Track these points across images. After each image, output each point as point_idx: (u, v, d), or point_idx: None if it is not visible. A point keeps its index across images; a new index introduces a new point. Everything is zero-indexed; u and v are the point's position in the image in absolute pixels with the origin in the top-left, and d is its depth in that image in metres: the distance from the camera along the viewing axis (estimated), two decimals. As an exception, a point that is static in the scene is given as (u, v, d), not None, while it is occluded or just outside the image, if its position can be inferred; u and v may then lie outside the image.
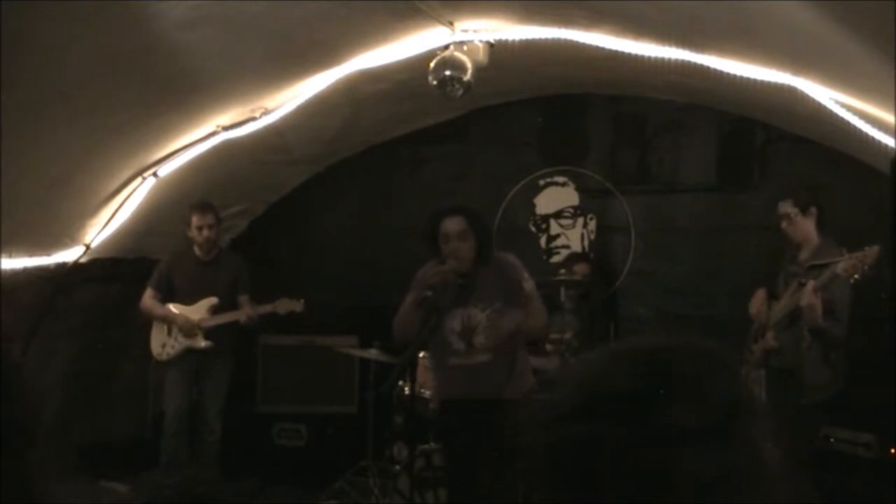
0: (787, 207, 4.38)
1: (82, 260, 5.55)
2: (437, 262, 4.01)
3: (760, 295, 4.61)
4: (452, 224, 3.95)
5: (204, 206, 5.42)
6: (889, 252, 3.67)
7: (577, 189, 6.22)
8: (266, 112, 5.26)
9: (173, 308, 5.44)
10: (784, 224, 4.42)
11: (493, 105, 6.30)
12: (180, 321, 5.38)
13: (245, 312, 5.38)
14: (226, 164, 5.70)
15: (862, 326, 4.22)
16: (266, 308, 5.39)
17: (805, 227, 4.38)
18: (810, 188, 4.58)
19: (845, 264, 3.89)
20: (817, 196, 4.48)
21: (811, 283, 4.06)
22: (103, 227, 5.52)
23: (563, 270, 5.53)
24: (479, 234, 4.00)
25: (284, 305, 5.38)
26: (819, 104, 4.20)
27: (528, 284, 4.05)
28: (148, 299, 5.48)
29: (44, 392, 5.66)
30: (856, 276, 3.85)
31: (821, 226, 4.42)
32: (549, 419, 0.82)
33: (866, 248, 3.81)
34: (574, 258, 5.78)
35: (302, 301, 5.41)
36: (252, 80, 4.84)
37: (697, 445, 0.76)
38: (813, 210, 4.38)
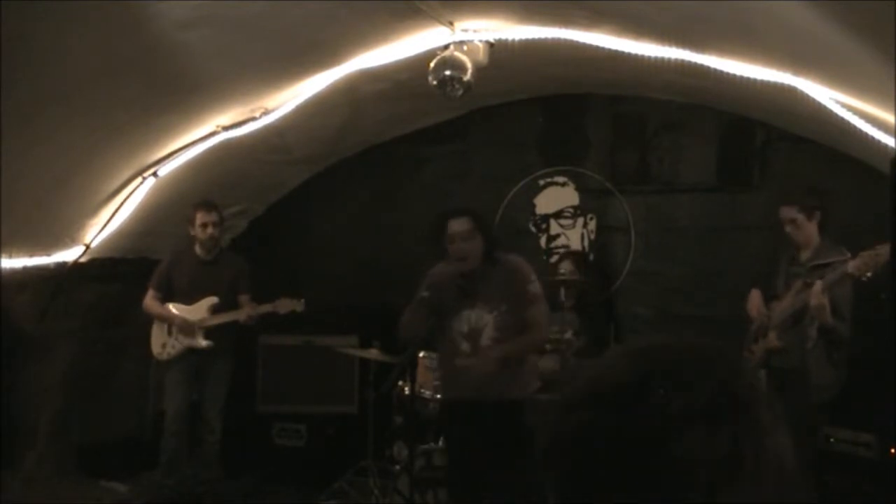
0: (791, 212, 4.38)
1: (82, 260, 5.56)
2: (444, 263, 4.01)
3: (757, 295, 4.61)
4: (458, 225, 3.96)
5: (208, 205, 5.43)
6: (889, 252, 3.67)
7: (577, 189, 6.22)
8: (266, 112, 5.26)
9: (173, 308, 5.44)
10: (789, 228, 4.42)
11: (493, 105, 6.30)
12: (179, 322, 5.38)
13: (245, 312, 5.38)
14: (226, 164, 5.71)
15: (862, 326, 4.22)
16: (266, 308, 5.39)
17: (808, 230, 4.40)
18: (814, 190, 4.58)
19: (857, 263, 3.89)
20: (821, 198, 4.49)
21: (819, 284, 4.06)
22: (103, 227, 5.52)
23: (562, 271, 5.54)
24: (485, 235, 4.00)
25: (284, 305, 5.38)
26: (819, 104, 4.20)
27: (534, 287, 4.06)
28: (149, 300, 5.48)
29: (44, 392, 5.67)
30: (868, 274, 3.85)
31: (823, 227, 4.43)
32: (555, 413, 0.85)
33: (878, 246, 3.80)
34: (562, 257, 5.79)
35: (302, 301, 5.40)
36: (252, 80, 4.84)
37: (691, 432, 0.77)
38: (817, 213, 4.40)
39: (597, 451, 0.80)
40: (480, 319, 3.97)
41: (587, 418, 0.82)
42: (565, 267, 5.52)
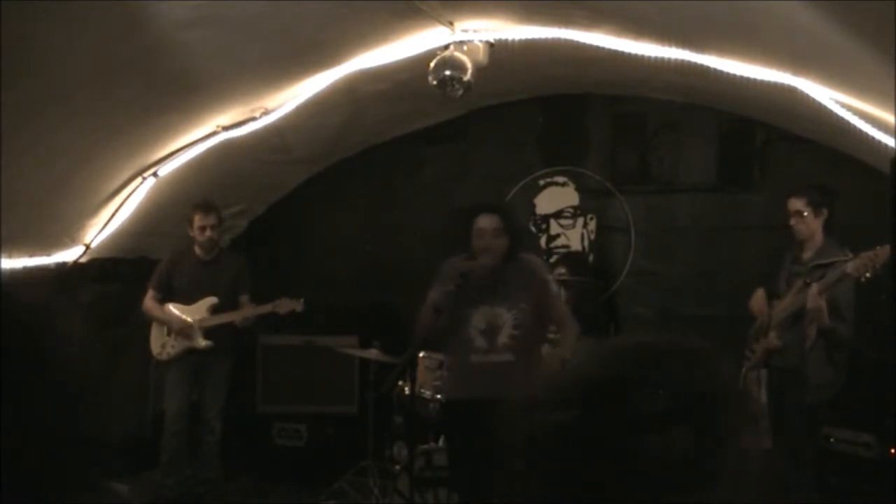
0: (799, 204, 4.41)
1: (82, 260, 5.55)
2: (465, 257, 3.99)
3: (760, 294, 4.61)
4: (488, 221, 3.96)
5: (207, 206, 5.41)
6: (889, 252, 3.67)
7: (577, 189, 6.22)
8: (266, 112, 5.26)
9: (174, 308, 5.44)
10: (794, 220, 4.44)
11: (493, 105, 6.30)
12: (177, 325, 5.37)
13: (240, 313, 5.37)
14: (226, 164, 5.70)
15: (862, 326, 4.22)
16: (266, 308, 5.38)
17: (813, 226, 4.42)
18: (823, 190, 4.60)
19: (856, 263, 3.90)
20: (829, 198, 4.51)
21: (815, 287, 4.07)
22: (103, 227, 5.51)
23: (562, 270, 5.53)
24: (512, 234, 4.00)
25: (284, 305, 5.37)
26: (819, 104, 4.20)
27: (553, 285, 4.07)
28: (149, 300, 5.48)
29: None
30: (867, 274, 3.86)
31: (827, 228, 4.45)
32: (529, 412, 0.87)
33: (877, 247, 3.81)
34: (561, 259, 5.80)
35: (302, 300, 5.39)
36: (252, 80, 4.84)
37: (661, 431, 0.78)
38: (824, 211, 4.42)
39: (566, 451, 0.82)
40: (499, 317, 3.96)
41: (558, 419, 0.83)
42: (564, 269, 5.52)
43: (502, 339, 3.95)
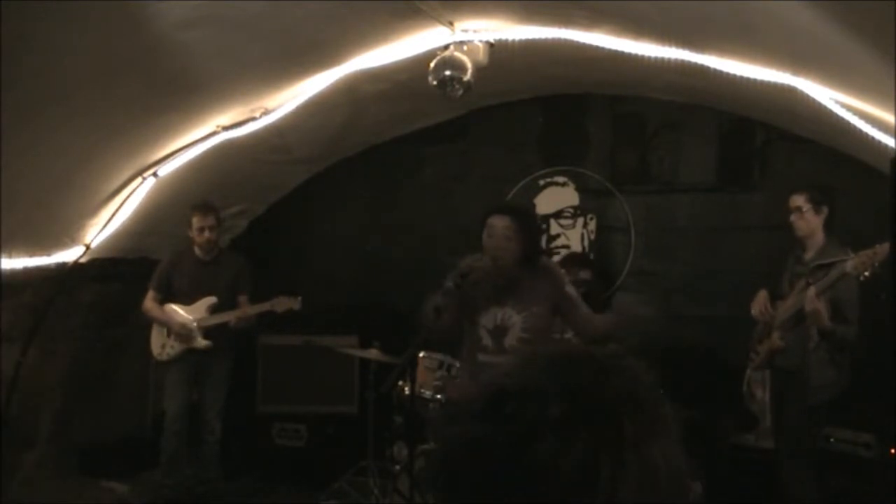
0: (800, 201, 4.42)
1: (82, 260, 5.55)
2: (480, 257, 3.98)
3: (762, 295, 4.61)
4: (499, 221, 3.92)
5: (205, 208, 5.41)
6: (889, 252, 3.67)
7: (577, 189, 6.22)
8: (266, 112, 5.26)
9: (174, 307, 5.44)
10: (794, 217, 4.44)
11: (493, 105, 6.30)
12: (177, 327, 5.37)
13: (234, 314, 5.37)
14: (226, 164, 5.70)
15: (862, 326, 4.22)
16: (264, 306, 5.38)
17: (813, 223, 4.42)
18: (825, 189, 4.60)
19: (854, 262, 3.90)
20: (831, 197, 4.52)
21: (812, 289, 4.07)
22: (103, 227, 5.51)
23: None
24: (524, 237, 3.96)
25: (282, 304, 5.37)
26: (819, 104, 4.20)
27: (571, 289, 4.05)
28: (149, 301, 5.48)
29: (44, 392, 5.67)
30: (865, 273, 3.86)
31: (829, 227, 4.45)
32: (444, 421, 0.91)
33: (876, 246, 3.81)
34: (573, 261, 5.78)
35: (299, 299, 5.39)
36: (252, 80, 4.84)
37: (544, 442, 0.79)
38: (824, 209, 4.42)
39: (462, 461, 0.84)
40: (509, 318, 3.95)
41: (457, 431, 0.86)
42: (584, 275, 5.50)
43: (510, 340, 3.94)
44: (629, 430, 0.81)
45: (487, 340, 3.98)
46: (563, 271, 4.21)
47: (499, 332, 3.95)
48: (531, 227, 4.09)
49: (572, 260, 5.72)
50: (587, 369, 0.86)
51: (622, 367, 0.88)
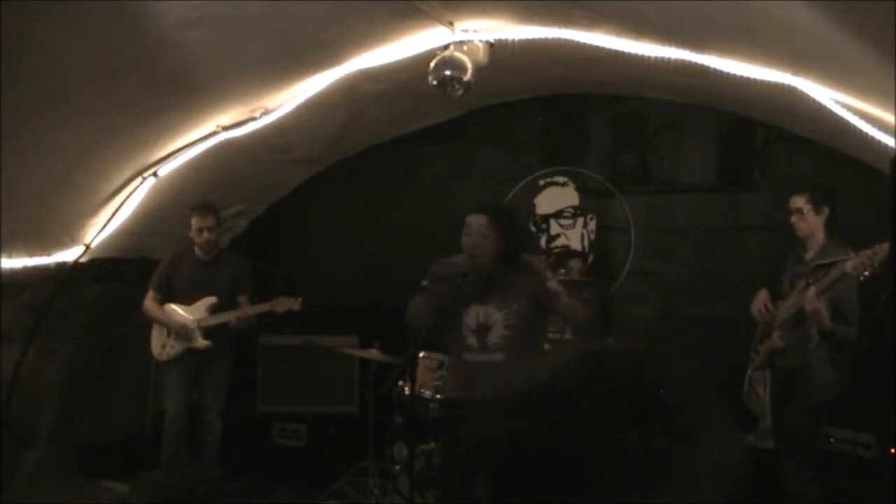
0: (800, 202, 4.41)
1: (82, 260, 5.55)
2: (453, 260, 4.00)
3: (763, 295, 4.61)
4: (474, 220, 3.94)
5: (205, 208, 5.41)
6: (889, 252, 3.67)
7: (577, 189, 6.22)
8: (266, 112, 5.26)
9: (174, 307, 5.44)
10: (794, 218, 4.44)
11: (493, 105, 6.30)
12: (176, 327, 5.37)
13: (234, 314, 5.37)
14: (226, 164, 5.70)
15: (862, 326, 4.22)
16: (264, 307, 5.37)
17: (814, 224, 4.42)
18: (826, 189, 4.60)
19: (854, 262, 3.90)
20: (832, 197, 4.51)
21: (812, 289, 4.07)
22: (103, 227, 5.51)
23: (562, 271, 5.53)
24: (502, 234, 3.96)
25: (282, 304, 5.36)
26: (819, 104, 4.20)
27: (554, 284, 4.05)
28: (149, 301, 5.48)
29: (44, 392, 5.67)
30: (865, 273, 3.86)
31: (830, 227, 4.44)
32: (481, 419, 0.91)
33: (876, 246, 3.81)
34: (563, 254, 5.79)
35: (299, 299, 5.38)
36: (252, 80, 4.84)
37: (599, 436, 0.80)
38: (825, 209, 4.42)
39: (514, 455, 0.84)
40: (490, 316, 3.96)
41: (508, 425, 0.86)
42: (575, 265, 5.52)
43: (493, 338, 3.95)
44: (681, 428, 0.81)
45: (471, 339, 3.98)
46: (545, 267, 4.20)
47: (482, 330, 3.96)
48: (508, 224, 4.08)
49: (563, 253, 5.74)
50: (636, 366, 0.86)
51: (671, 364, 0.88)
